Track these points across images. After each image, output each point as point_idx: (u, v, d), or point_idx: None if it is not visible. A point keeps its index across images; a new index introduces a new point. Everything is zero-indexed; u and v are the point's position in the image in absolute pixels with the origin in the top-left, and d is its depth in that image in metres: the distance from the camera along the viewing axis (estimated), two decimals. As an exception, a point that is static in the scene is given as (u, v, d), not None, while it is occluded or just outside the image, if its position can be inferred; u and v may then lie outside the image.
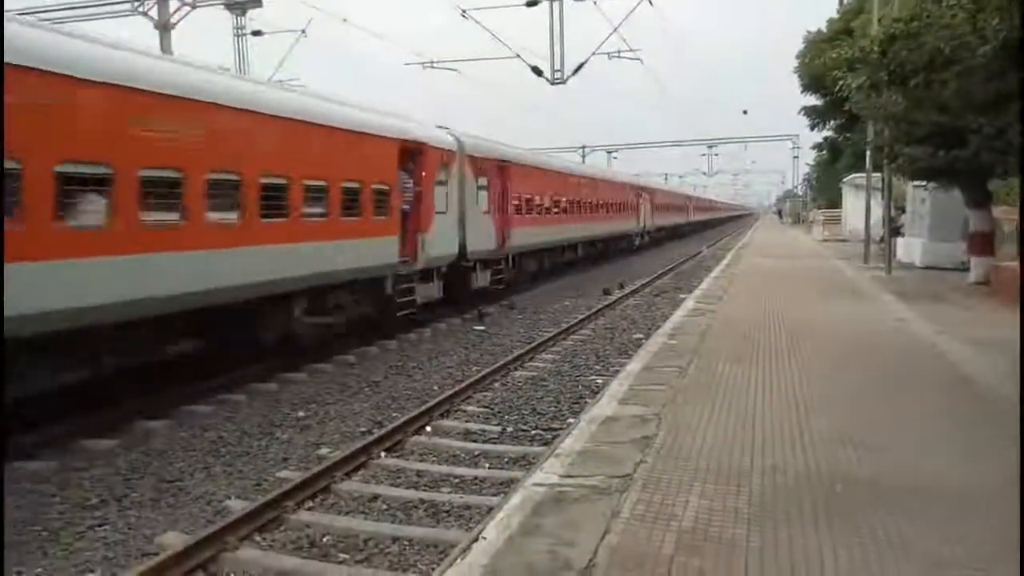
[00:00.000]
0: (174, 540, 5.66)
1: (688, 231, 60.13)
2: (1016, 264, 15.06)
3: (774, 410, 6.54)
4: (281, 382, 10.58)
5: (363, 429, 8.58)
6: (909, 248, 22.44)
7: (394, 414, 9.06)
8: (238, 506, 6.31)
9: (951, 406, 6.65)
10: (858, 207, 28.56)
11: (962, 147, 14.13)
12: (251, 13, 26.87)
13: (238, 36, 27.76)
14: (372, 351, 12.84)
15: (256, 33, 27.19)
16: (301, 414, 9.20)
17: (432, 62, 30.10)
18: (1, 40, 5.78)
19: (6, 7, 6.56)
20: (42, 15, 17.56)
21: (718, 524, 4.24)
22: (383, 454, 7.64)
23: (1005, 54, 8.41)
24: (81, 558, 5.57)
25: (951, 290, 15.30)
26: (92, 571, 5.39)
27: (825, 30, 35.00)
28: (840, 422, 6.12)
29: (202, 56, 10.41)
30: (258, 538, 5.81)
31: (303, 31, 25.64)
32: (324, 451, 7.84)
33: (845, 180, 37.09)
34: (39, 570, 5.39)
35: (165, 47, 19.97)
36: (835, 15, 34.96)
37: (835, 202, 44.58)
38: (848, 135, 29.87)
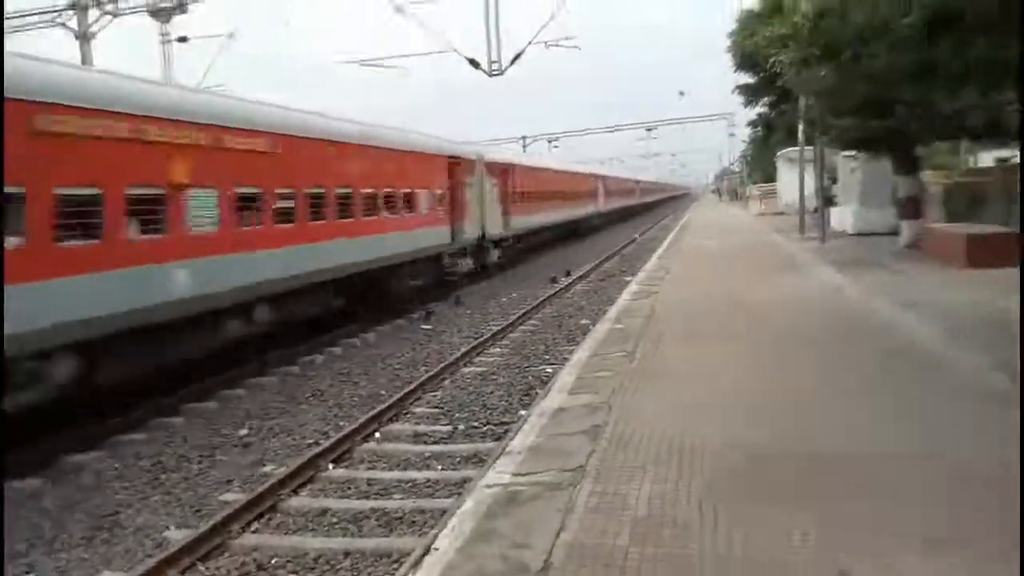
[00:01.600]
0: (110, 579, 5.33)
1: (636, 213, 64.20)
2: (944, 226, 15.58)
3: (721, 389, 6.53)
4: (220, 400, 10.15)
5: (309, 441, 8.28)
6: (842, 216, 23.03)
7: (341, 423, 8.79)
8: (179, 536, 5.99)
9: (887, 372, 6.74)
10: (792, 180, 29.24)
11: (890, 117, 14.50)
12: (177, 19, 25.97)
13: (164, 43, 26.80)
14: (317, 359, 12.48)
15: (182, 39, 26.29)
16: (243, 432, 8.84)
17: (368, 60, 29.56)
18: (1, 44, 5.57)
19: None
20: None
21: (671, 509, 4.17)
22: (331, 466, 7.38)
23: (928, 26, 8.56)
24: (7, 609, 5.19)
25: (884, 255, 15.71)
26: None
27: (756, 9, 35.60)
28: (787, 398, 6.15)
29: (126, 65, 9.80)
30: (201, 568, 5.52)
31: (231, 35, 24.90)
32: (269, 468, 7.53)
33: (779, 154, 37.94)
34: (-39, 627, 5.00)
35: (86, 58, 19.09)
36: (765, -8, 35.53)
37: (771, 177, 45.61)
38: (782, 107, 30.53)
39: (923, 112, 14.19)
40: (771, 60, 17.00)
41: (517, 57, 23.20)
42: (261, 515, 6.32)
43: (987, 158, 22.99)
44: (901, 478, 4.34)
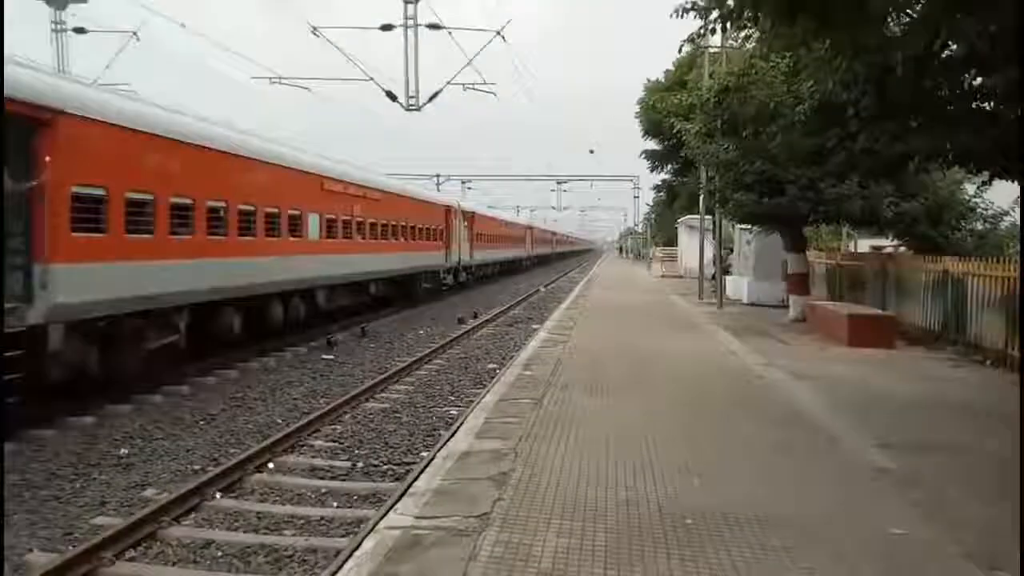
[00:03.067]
0: (-42, 606, 4.84)
1: (551, 261, 73.53)
2: (826, 303, 16.71)
3: (625, 443, 6.69)
4: (101, 415, 9.52)
5: (197, 467, 7.87)
6: (737, 286, 24.30)
7: (232, 450, 8.41)
8: (43, 560, 5.52)
9: (782, 436, 7.13)
10: (692, 246, 30.70)
11: (782, 195, 15.54)
12: (74, 8, 24.73)
13: (57, 32, 25.41)
14: (208, 381, 11.93)
15: (79, 30, 25.03)
16: (124, 451, 8.30)
17: (280, 78, 29.01)
18: (1, 45, 5.37)
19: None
20: None
21: (575, 563, 4.22)
22: (219, 495, 7.03)
23: (818, 114, 9.32)
24: None
25: (774, 325, 16.66)
26: None
27: (663, 80, 37.58)
28: (685, 453, 6.38)
29: (15, 51, 9.26)
30: (66, 598, 5.10)
31: (135, 33, 23.87)
32: (150, 493, 7.10)
33: (680, 221, 39.75)
34: None
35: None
36: (672, 67, 37.62)
37: (672, 240, 47.64)
38: (683, 179, 32.12)
39: (811, 194, 15.31)
40: (676, 128, 18.04)
41: (435, 95, 23.55)
42: (138, 543, 5.93)
43: (865, 244, 25.04)
44: (795, 535, 4.58)
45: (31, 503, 6.76)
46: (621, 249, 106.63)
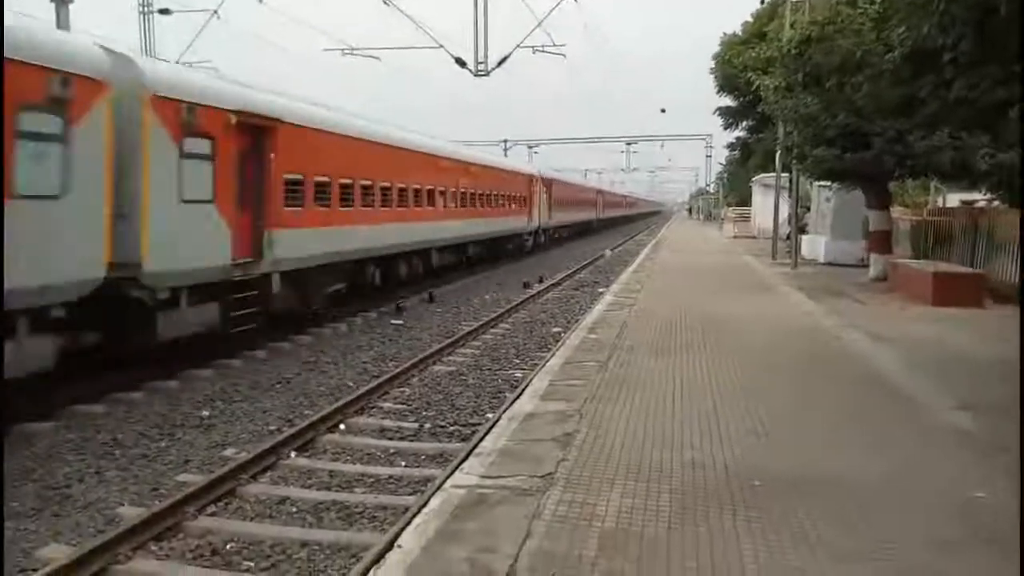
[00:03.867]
0: (58, 553, 5.17)
1: (617, 224, 70.53)
2: (911, 260, 15.91)
3: (693, 404, 6.58)
4: (184, 379, 9.97)
5: (272, 428, 8.17)
6: (813, 245, 23.42)
7: (306, 412, 8.68)
8: (132, 513, 5.85)
9: (858, 398, 6.86)
10: (767, 205, 29.68)
11: (866, 150, 14.77)
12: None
13: (143, 14, 26.23)
14: (284, 347, 12.33)
15: (164, 11, 25.78)
16: (205, 413, 8.68)
17: (352, 49, 29.24)
18: (1, 40, 5.59)
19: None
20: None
21: (639, 523, 4.18)
22: (293, 454, 7.28)
23: (910, 62, 8.73)
24: (-53, 578, 5.01)
25: (852, 285, 16.01)
26: (-40, 592, 4.86)
27: (740, 33, 36.12)
28: (755, 416, 6.21)
29: (103, 33, 9.68)
30: (154, 547, 5.40)
31: (216, 12, 24.39)
32: (229, 452, 7.40)
33: (755, 179, 38.49)
34: None
35: (62, 23, 18.55)
36: (750, 19, 36.10)
37: (745, 200, 46.26)
38: (760, 135, 30.88)
39: (898, 147, 14.49)
40: (756, 83, 17.28)
41: (504, 59, 23.29)
42: (219, 499, 6.21)
43: (953, 199, 23.58)
44: (864, 501, 4.41)
45: (121, 461, 7.16)
46: (691, 210, 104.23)
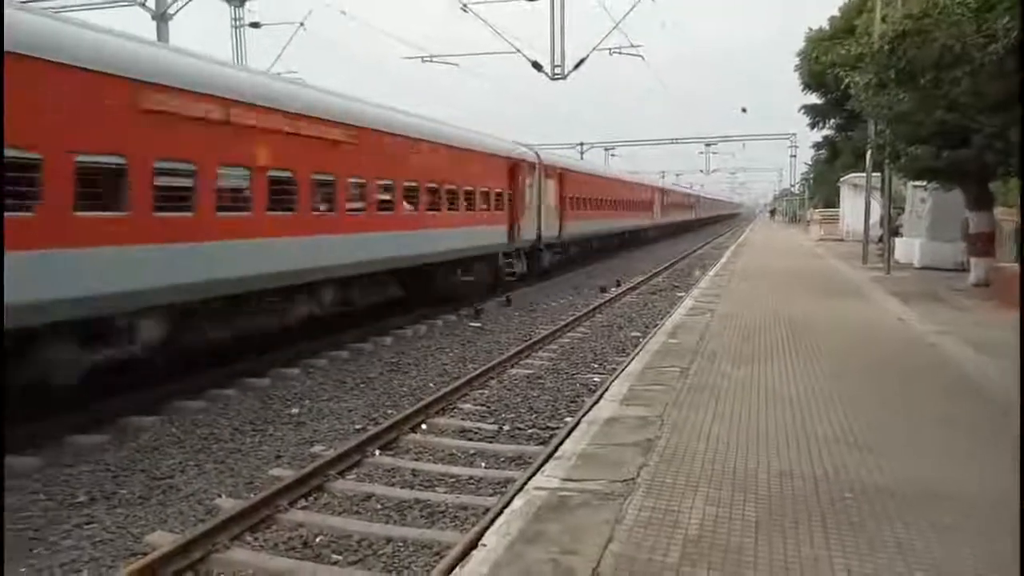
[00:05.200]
0: (163, 539, 5.52)
1: (691, 228, 65.19)
2: (1016, 266, 14.98)
3: (779, 412, 6.41)
4: (274, 377, 10.42)
5: (358, 426, 8.44)
6: (907, 248, 22.35)
7: (389, 411, 8.92)
8: (229, 505, 6.17)
9: (954, 409, 6.54)
10: (856, 207, 28.47)
11: (965, 147, 14.02)
12: (249, 5, 26.68)
13: (236, 28, 27.54)
14: (367, 347, 12.70)
15: (254, 25, 26.99)
16: (295, 410, 9.05)
17: (431, 56, 29.85)
18: (1, 37, 5.83)
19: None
20: (39, 3, 17.30)
21: (724, 531, 4.11)
22: (377, 452, 7.51)
23: (1014, 54, 8.27)
24: (68, 557, 5.42)
25: (950, 291, 15.21)
26: (79, 571, 5.24)
27: (827, 28, 34.84)
28: (846, 426, 6.01)
29: (199, 47, 10.32)
30: (249, 538, 5.68)
31: (302, 24, 25.39)
32: (317, 449, 7.70)
33: (843, 179, 37.00)
34: (23, 569, 5.24)
35: (162, 38, 19.73)
36: (837, 13, 34.75)
37: (832, 201, 44.54)
38: (849, 133, 29.62)
39: (1000, 144, 13.68)
40: (845, 80, 16.62)
41: (581, 62, 23.24)
42: (308, 493, 6.47)
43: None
44: (962, 515, 4.21)
45: (218, 454, 7.55)
46: (773, 212, 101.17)
